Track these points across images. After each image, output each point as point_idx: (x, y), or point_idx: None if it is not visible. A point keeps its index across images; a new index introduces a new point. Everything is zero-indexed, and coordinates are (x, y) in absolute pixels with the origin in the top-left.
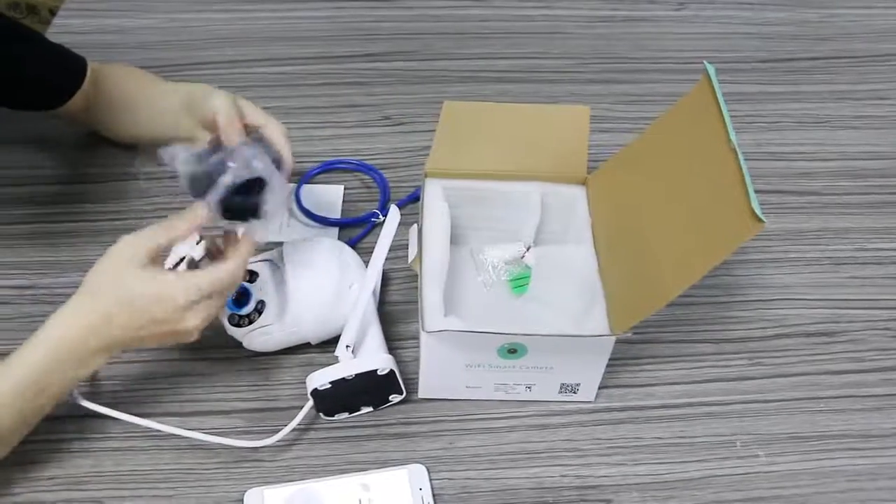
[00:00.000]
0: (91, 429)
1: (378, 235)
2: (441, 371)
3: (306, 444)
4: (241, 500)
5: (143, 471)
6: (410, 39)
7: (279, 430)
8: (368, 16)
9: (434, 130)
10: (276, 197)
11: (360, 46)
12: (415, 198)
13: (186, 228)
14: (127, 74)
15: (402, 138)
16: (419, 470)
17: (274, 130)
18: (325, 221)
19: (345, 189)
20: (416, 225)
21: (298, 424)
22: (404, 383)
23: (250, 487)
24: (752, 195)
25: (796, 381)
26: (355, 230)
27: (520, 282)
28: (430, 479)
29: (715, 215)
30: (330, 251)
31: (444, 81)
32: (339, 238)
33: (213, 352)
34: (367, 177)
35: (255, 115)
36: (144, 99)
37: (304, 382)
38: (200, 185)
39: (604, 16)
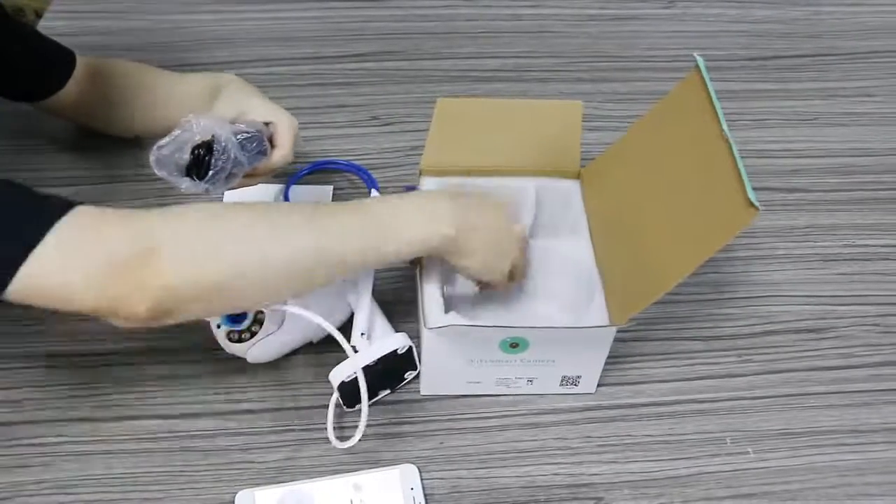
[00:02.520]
0: (79, 432)
1: None
2: (443, 368)
3: (297, 445)
4: (233, 502)
5: (133, 473)
6: (399, 39)
7: (270, 432)
8: (357, 16)
9: (423, 130)
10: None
11: (348, 47)
12: None
13: None
14: (135, 66)
15: (391, 138)
16: (410, 470)
17: (282, 124)
18: None
19: (334, 189)
20: None
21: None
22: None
23: (241, 489)
24: (747, 182)
25: (785, 377)
26: None
27: None
28: (422, 479)
29: (710, 204)
30: None
31: (433, 81)
32: None
33: (204, 353)
34: (355, 177)
35: (265, 112)
36: (162, 87)
37: (294, 383)
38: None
39: (592, 14)
